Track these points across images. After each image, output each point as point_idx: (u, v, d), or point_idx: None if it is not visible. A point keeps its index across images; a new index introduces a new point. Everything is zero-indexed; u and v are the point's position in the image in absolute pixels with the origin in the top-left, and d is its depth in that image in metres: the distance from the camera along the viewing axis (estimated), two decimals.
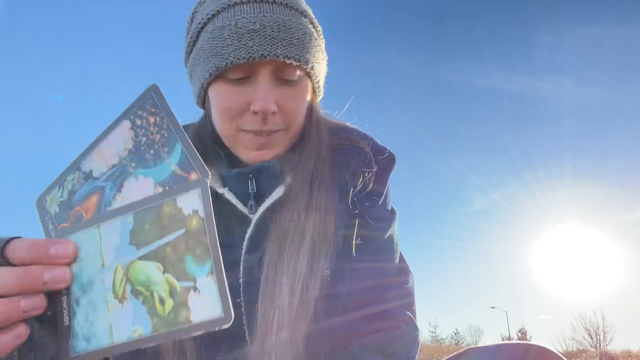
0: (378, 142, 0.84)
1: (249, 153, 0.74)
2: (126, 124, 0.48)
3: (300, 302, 0.68)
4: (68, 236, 0.48)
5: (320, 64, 0.77)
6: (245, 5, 0.69)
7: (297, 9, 0.73)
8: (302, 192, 0.73)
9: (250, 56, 0.67)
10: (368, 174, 0.78)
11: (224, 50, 0.68)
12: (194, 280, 0.41)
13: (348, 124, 0.87)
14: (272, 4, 0.70)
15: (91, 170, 0.50)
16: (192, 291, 0.41)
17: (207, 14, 0.72)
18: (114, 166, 0.48)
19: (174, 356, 0.69)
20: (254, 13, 0.69)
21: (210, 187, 0.75)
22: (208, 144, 0.79)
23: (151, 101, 0.48)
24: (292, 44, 0.69)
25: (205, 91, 0.75)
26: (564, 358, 0.69)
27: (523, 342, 0.71)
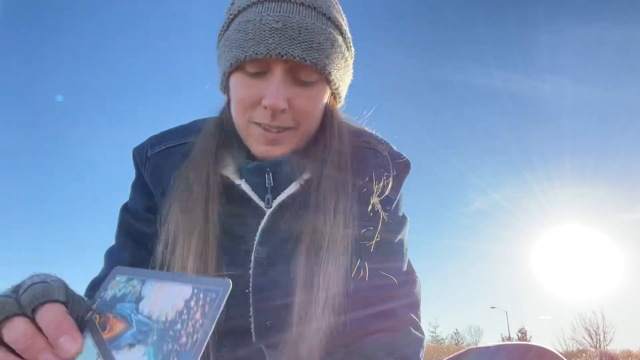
0: (394, 147, 0.86)
1: (257, 146, 0.76)
2: (188, 291, 0.47)
3: (320, 298, 0.69)
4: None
5: (340, 71, 0.78)
6: (273, 3, 0.72)
7: (325, 14, 0.75)
8: (319, 190, 0.75)
9: (268, 53, 0.69)
10: (385, 178, 0.80)
11: (245, 43, 0.71)
12: None
13: (366, 129, 0.88)
14: (300, 5, 0.72)
15: (142, 297, 0.49)
16: None
17: (239, 7, 0.75)
18: (149, 319, 0.47)
19: None
20: (279, 12, 0.71)
21: (227, 177, 0.78)
22: (228, 132, 0.81)
23: (215, 297, 0.45)
24: (311, 47, 0.71)
25: (227, 79, 0.77)
26: (564, 358, 0.69)
27: (523, 342, 0.71)
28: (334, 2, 0.79)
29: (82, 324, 0.49)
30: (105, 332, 0.48)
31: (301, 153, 0.78)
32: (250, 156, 0.79)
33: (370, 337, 0.72)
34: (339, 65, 0.77)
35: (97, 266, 0.88)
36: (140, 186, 0.85)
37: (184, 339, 0.44)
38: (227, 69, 0.74)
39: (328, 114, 0.81)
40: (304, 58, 0.70)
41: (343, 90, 0.83)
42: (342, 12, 0.81)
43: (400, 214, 0.85)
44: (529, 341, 0.71)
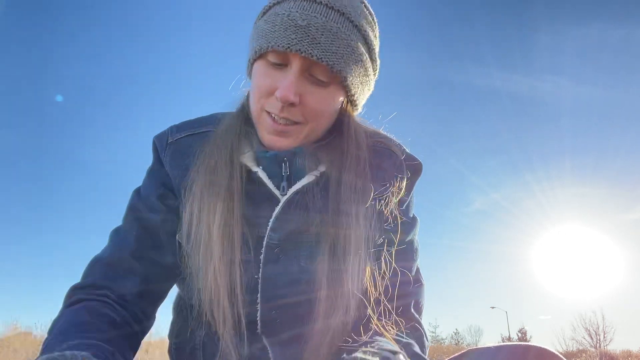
0: (407, 150, 0.89)
1: (265, 135, 0.80)
2: None
3: (338, 294, 0.73)
4: None
5: (359, 79, 0.80)
6: (304, 2, 0.75)
7: (352, 21, 0.77)
8: (336, 186, 0.78)
9: (288, 47, 0.72)
10: (399, 177, 0.83)
11: (271, 35, 0.74)
12: None
13: (381, 131, 0.91)
14: (329, 8, 0.75)
15: None
16: None
17: (273, 0, 0.79)
18: None
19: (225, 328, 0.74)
20: (307, 11, 0.74)
21: (244, 164, 0.80)
22: (248, 120, 0.84)
23: None
24: (330, 49, 0.73)
25: (252, 66, 0.81)
26: (564, 358, 0.70)
27: (523, 342, 0.72)
28: (366, 12, 0.81)
29: None
30: None
31: (317, 148, 0.81)
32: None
33: (378, 330, 0.73)
34: (357, 72, 0.79)
35: None
36: (155, 173, 0.87)
37: None
38: (252, 56, 0.79)
39: (344, 118, 0.83)
40: (320, 58, 0.73)
41: (360, 98, 0.85)
42: (374, 24, 0.83)
43: (411, 215, 0.88)
44: (529, 341, 0.72)
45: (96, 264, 0.81)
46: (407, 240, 0.84)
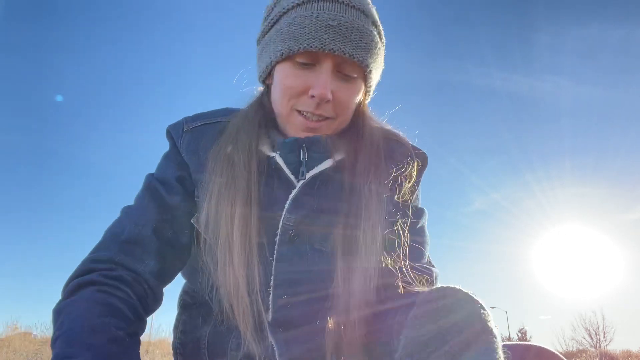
0: (412, 142, 0.93)
1: (296, 133, 0.82)
2: None
3: (358, 279, 0.75)
4: None
5: (377, 71, 0.86)
6: (328, 3, 0.78)
7: (370, 17, 0.82)
8: (353, 173, 0.81)
9: (322, 47, 0.75)
10: (411, 164, 0.86)
11: (301, 37, 0.76)
12: None
13: (387, 125, 0.94)
14: (352, 7, 0.79)
15: None
16: None
17: (292, 2, 0.80)
18: None
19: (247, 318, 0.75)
20: (335, 12, 0.77)
21: (261, 150, 0.83)
22: (267, 116, 0.86)
23: None
24: (359, 46, 0.78)
25: (273, 68, 0.82)
26: (564, 358, 0.70)
27: (523, 342, 0.72)
28: (370, 2, 0.85)
29: None
30: None
31: (335, 136, 0.84)
32: (284, 136, 0.84)
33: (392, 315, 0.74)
34: (378, 64, 0.84)
35: None
36: (174, 156, 0.88)
37: None
38: (277, 58, 0.80)
39: (360, 109, 0.88)
40: (352, 55, 0.77)
41: (374, 86, 0.90)
42: (376, 11, 0.87)
43: (420, 205, 0.90)
44: (529, 341, 0.72)
45: (114, 239, 0.79)
46: (418, 227, 0.86)
